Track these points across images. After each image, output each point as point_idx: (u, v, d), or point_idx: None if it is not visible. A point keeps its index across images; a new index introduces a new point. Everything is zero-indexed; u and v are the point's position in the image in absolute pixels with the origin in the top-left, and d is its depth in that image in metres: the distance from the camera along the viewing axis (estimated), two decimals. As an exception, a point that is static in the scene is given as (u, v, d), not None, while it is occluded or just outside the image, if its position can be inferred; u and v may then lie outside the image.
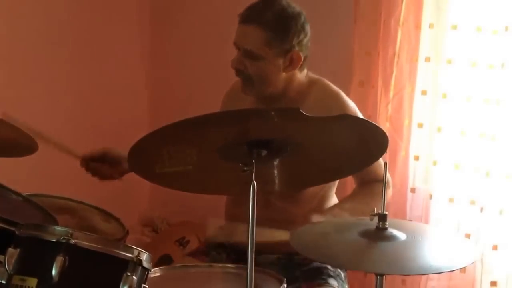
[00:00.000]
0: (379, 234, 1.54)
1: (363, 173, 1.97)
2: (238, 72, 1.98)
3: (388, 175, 2.07)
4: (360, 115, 2.07)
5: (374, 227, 1.56)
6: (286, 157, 1.58)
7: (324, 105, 1.95)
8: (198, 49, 3.29)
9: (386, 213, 1.55)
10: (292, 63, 1.97)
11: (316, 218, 1.89)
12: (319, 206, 2.07)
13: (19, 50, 2.84)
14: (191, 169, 1.58)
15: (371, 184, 2.00)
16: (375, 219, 1.56)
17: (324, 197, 2.09)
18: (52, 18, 2.96)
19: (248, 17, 1.93)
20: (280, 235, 1.81)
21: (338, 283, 2.01)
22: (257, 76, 1.95)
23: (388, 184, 2.05)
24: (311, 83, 2.04)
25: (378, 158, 1.75)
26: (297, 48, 1.95)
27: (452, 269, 1.42)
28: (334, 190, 2.13)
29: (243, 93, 2.01)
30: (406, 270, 1.44)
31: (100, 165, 2.13)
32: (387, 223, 1.55)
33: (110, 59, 3.22)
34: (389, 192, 2.12)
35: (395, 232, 1.55)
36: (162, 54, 3.44)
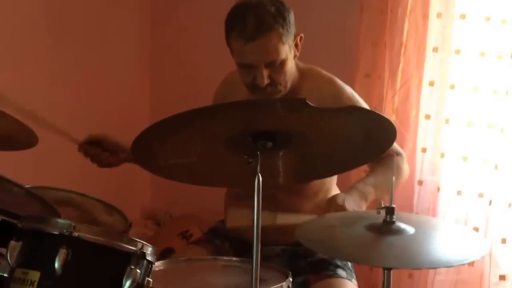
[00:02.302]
0: (386, 227, 1.52)
1: None
2: (264, 87, 1.90)
3: (399, 148, 2.06)
4: (361, 101, 2.04)
5: (381, 220, 1.53)
6: (292, 149, 1.55)
7: (319, 93, 1.92)
8: (200, 42, 3.27)
9: (394, 206, 1.52)
10: (297, 47, 1.95)
11: (341, 198, 1.86)
12: (325, 199, 2.03)
13: (19, 47, 2.81)
14: (195, 161, 1.56)
15: (389, 158, 1.96)
16: (383, 212, 1.53)
17: (329, 190, 2.07)
18: (52, 12, 2.93)
19: (254, 33, 1.85)
20: (306, 218, 1.76)
21: (346, 273, 1.99)
22: (283, 78, 1.91)
23: (402, 157, 2.05)
24: (304, 72, 2.01)
25: (386, 150, 1.73)
26: (295, 30, 1.93)
27: (462, 263, 1.39)
28: (335, 182, 2.11)
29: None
30: (415, 264, 1.41)
31: (99, 151, 2.09)
32: (394, 217, 1.52)
33: (111, 52, 3.20)
34: (406, 167, 2.08)
35: (403, 225, 1.52)
36: (163, 47, 3.42)
